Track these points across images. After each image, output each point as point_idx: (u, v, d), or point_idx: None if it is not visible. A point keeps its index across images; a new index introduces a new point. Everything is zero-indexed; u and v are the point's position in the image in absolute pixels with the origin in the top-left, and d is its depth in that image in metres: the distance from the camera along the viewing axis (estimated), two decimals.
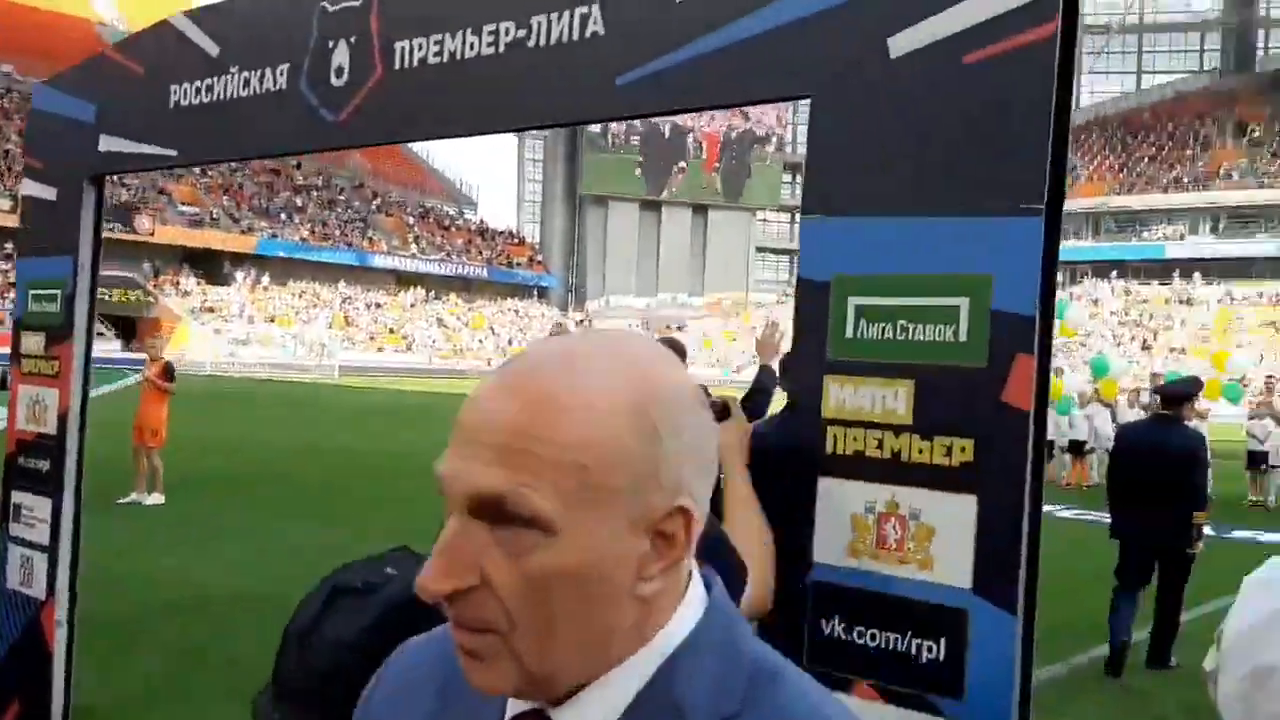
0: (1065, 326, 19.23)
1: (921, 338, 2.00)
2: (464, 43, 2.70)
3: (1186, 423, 6.96)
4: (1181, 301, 60.24)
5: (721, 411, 2.22)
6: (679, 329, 62.29)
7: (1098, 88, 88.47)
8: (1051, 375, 2.08)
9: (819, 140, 2.17)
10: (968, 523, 1.93)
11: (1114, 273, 64.97)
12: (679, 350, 4.57)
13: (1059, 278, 1.98)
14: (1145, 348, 54.81)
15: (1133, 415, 14.66)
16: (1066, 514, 12.70)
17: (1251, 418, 15.79)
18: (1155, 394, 10.13)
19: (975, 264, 1.94)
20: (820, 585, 2.09)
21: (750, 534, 2.05)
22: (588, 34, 2.47)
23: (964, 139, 1.96)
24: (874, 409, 2.05)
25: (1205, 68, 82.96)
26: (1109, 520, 7.05)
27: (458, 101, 2.77)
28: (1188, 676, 5.85)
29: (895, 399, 2.03)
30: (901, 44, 2.02)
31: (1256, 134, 66.88)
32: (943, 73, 1.97)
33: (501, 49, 2.62)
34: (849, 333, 2.09)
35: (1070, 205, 67.78)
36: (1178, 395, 7.00)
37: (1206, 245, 62.83)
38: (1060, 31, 1.87)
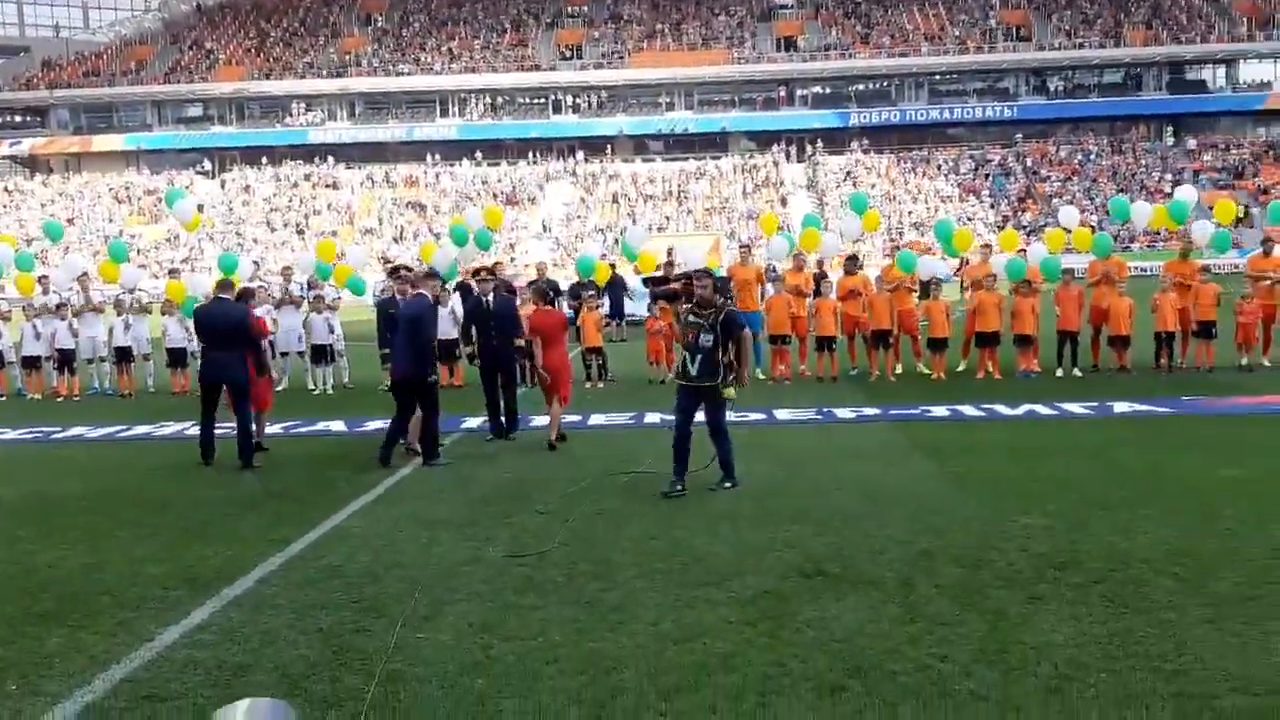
0: (197, 221, 17.82)
1: None
2: None
3: None
4: (327, 186, 62.67)
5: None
6: None
7: None
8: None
9: None
10: None
11: (264, 159, 65.03)
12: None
13: None
14: (299, 232, 56.10)
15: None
16: None
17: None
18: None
19: None
20: None
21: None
22: None
23: None
24: None
25: None
26: None
27: None
28: None
29: None
30: None
31: (381, 24, 71.23)
32: None
33: None
34: None
35: (213, 90, 65.55)
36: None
37: (346, 130, 65.90)
38: None
